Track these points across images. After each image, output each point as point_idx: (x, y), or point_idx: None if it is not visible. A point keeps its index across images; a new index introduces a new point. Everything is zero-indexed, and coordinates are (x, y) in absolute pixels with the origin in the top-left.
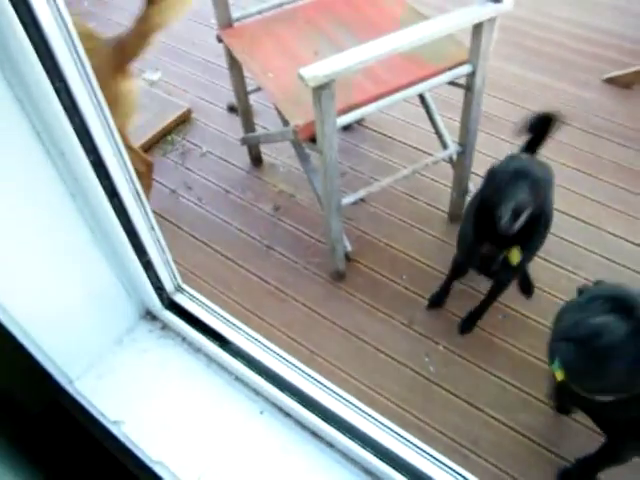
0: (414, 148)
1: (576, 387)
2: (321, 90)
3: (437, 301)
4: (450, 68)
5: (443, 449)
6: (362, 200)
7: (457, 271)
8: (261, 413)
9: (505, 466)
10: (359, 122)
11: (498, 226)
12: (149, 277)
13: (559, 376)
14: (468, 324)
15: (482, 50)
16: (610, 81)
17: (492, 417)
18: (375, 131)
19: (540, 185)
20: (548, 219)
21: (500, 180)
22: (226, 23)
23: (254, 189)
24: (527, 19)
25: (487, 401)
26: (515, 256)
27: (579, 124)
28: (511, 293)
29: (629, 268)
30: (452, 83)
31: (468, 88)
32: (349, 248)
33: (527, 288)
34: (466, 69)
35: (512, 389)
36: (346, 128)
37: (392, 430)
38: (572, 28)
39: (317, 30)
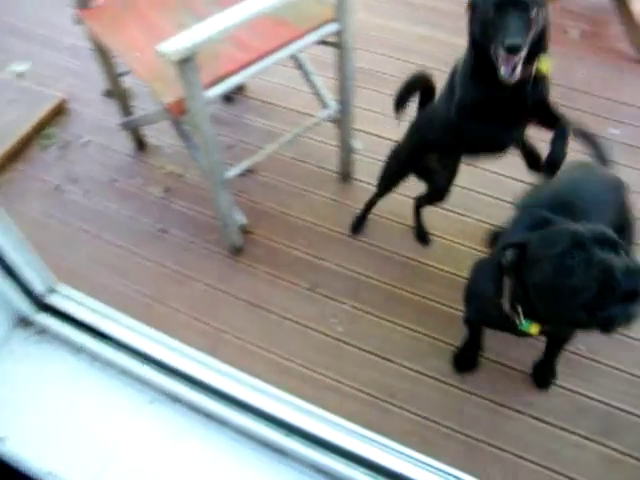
0: (299, 112)
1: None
2: (184, 64)
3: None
4: (317, 28)
5: (361, 405)
6: (251, 171)
7: None
8: (150, 403)
9: (426, 412)
10: (240, 92)
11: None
12: (15, 283)
13: (534, 330)
14: None
15: (346, 7)
16: None
17: (406, 367)
18: (258, 100)
19: None
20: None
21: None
22: (83, 3)
23: (142, 174)
24: None
25: (399, 352)
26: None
27: None
28: (407, 243)
29: None
30: (323, 42)
31: (338, 46)
32: (243, 221)
33: (423, 236)
34: (333, 27)
35: (421, 337)
36: (228, 99)
37: (286, 400)
38: None
39: (181, 3)
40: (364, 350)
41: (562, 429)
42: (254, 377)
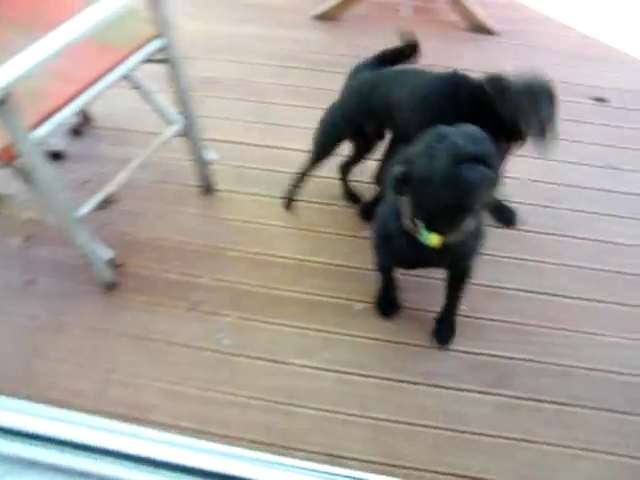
0: (152, 133)
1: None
2: (0, 107)
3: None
4: (142, 47)
5: (262, 413)
6: (111, 202)
7: None
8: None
9: (327, 405)
10: (87, 123)
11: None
12: None
13: (435, 240)
14: None
15: (167, 22)
16: (318, 17)
17: (300, 365)
18: (109, 128)
19: None
20: None
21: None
22: None
23: None
24: None
25: (290, 352)
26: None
27: (301, 64)
28: (280, 244)
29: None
30: (152, 60)
31: (167, 62)
32: (109, 255)
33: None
34: (157, 44)
35: (310, 332)
36: (77, 133)
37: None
38: None
39: None
40: (255, 358)
41: (459, 390)
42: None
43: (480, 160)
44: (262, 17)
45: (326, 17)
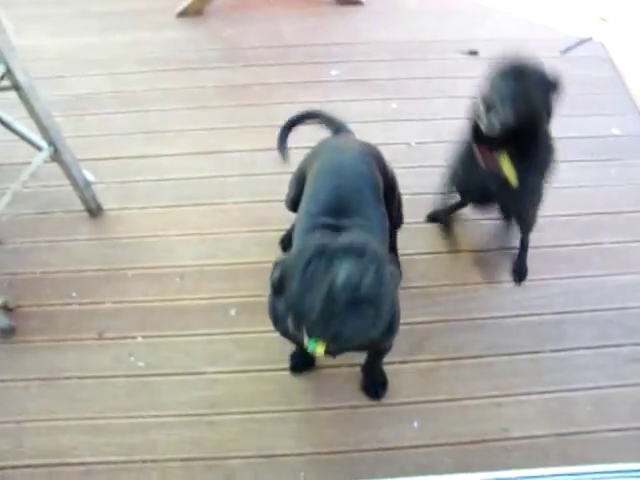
0: (25, 163)
1: None
2: None
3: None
4: None
5: (187, 428)
6: None
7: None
8: None
9: (252, 407)
10: None
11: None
12: None
13: (320, 350)
14: None
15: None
16: (182, 14)
17: (216, 372)
18: None
19: None
20: None
21: None
22: None
23: None
24: None
25: (204, 361)
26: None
27: (172, 65)
28: (175, 254)
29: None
30: (3, 88)
31: (16, 87)
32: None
33: None
34: None
35: (218, 337)
36: None
37: None
38: None
39: None
40: (171, 374)
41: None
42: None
43: (360, 301)
44: (127, 23)
45: (190, 13)
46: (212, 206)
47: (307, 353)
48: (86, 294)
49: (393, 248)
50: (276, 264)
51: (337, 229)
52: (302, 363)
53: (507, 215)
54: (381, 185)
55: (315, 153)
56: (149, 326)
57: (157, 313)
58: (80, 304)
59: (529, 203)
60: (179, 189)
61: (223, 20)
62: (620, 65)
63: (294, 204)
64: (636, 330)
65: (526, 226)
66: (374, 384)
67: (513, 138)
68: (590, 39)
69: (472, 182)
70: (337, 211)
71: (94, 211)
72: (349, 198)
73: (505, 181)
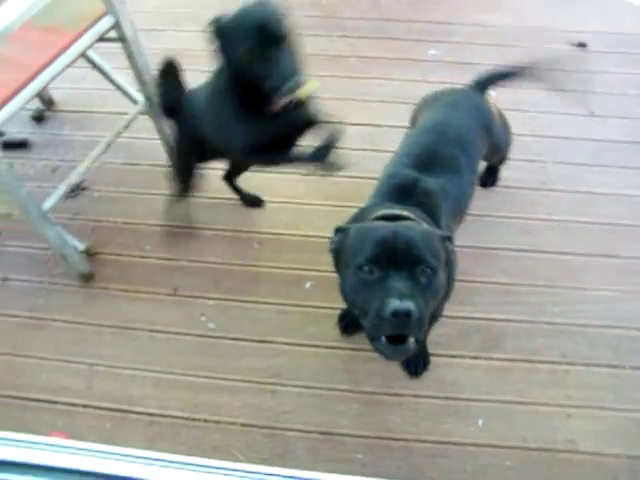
0: (119, 113)
1: None
2: None
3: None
4: (91, 26)
5: (251, 395)
6: (83, 189)
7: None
8: None
9: (316, 382)
10: (50, 107)
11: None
12: None
13: None
14: None
15: None
16: None
17: (284, 343)
18: (72, 111)
19: None
20: None
21: None
22: None
23: None
24: None
25: (274, 331)
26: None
27: None
28: (251, 219)
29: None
30: (107, 39)
31: (121, 40)
32: (81, 247)
33: (253, 201)
34: (108, 22)
35: (291, 309)
36: (39, 119)
37: None
38: None
39: None
40: (240, 339)
41: (451, 356)
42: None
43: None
44: None
45: None
46: (296, 175)
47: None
48: (164, 249)
49: None
50: (337, 230)
51: (413, 186)
52: (354, 324)
53: None
54: (480, 152)
55: (428, 103)
56: (223, 289)
57: (232, 277)
58: (157, 258)
59: None
60: None
61: None
62: None
63: None
64: None
65: None
66: (415, 360)
67: None
68: None
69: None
70: (424, 165)
71: None
72: (440, 156)
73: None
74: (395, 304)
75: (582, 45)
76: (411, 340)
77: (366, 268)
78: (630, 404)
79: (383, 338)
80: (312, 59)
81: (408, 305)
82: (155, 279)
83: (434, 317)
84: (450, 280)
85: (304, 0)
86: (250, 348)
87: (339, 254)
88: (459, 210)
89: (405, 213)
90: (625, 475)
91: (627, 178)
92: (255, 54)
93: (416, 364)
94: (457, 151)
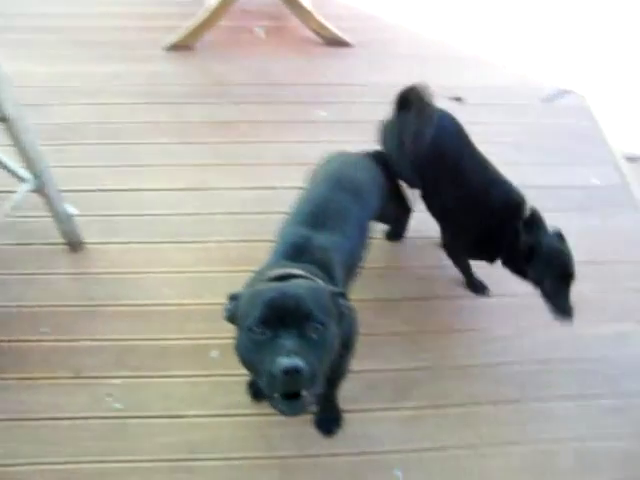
0: (4, 193)
1: None
2: None
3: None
4: None
5: (165, 475)
6: None
7: None
8: None
9: (232, 452)
10: None
11: None
12: None
13: None
14: None
15: None
16: (172, 48)
17: (196, 416)
18: None
19: None
20: None
21: None
22: None
23: None
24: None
25: (184, 404)
26: None
27: (158, 99)
28: (157, 291)
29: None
30: None
31: (3, 120)
32: None
33: None
34: None
35: (199, 379)
36: None
37: None
38: (109, 8)
39: None
40: (149, 417)
41: (361, 411)
42: None
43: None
44: (116, 54)
45: (179, 47)
46: (195, 244)
47: None
48: (63, 330)
49: None
50: (231, 298)
51: (306, 244)
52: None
53: None
54: (374, 205)
55: (325, 161)
56: (129, 366)
57: (138, 353)
58: (56, 340)
59: None
60: (162, 225)
61: (212, 56)
62: (598, 116)
63: None
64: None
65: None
66: (328, 419)
67: None
68: (571, 90)
69: None
70: (316, 221)
71: (74, 245)
72: (331, 210)
73: None
74: (284, 362)
75: (458, 99)
76: (304, 395)
77: (257, 329)
78: (535, 435)
79: (277, 395)
80: (203, 126)
81: (296, 362)
82: (54, 363)
83: (341, 373)
84: (352, 334)
85: (193, 69)
86: (160, 425)
87: (234, 320)
88: (352, 262)
89: (298, 271)
90: None
91: None
92: None
93: (328, 423)
94: (349, 202)
